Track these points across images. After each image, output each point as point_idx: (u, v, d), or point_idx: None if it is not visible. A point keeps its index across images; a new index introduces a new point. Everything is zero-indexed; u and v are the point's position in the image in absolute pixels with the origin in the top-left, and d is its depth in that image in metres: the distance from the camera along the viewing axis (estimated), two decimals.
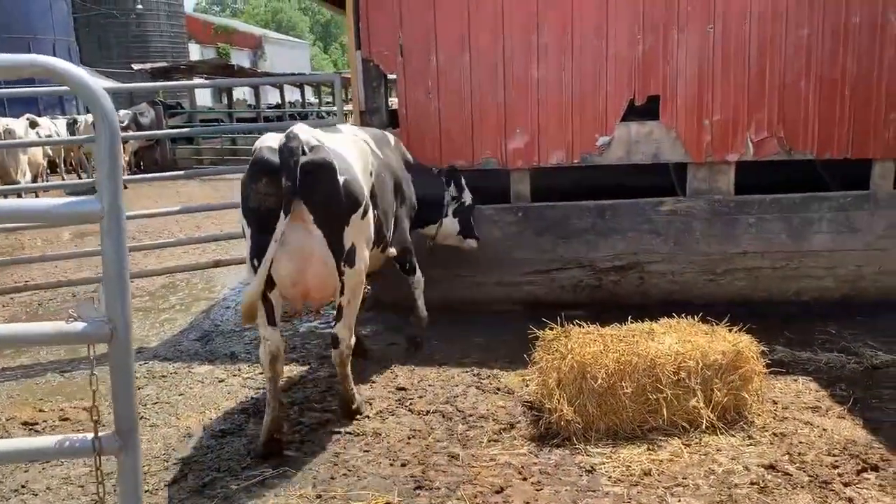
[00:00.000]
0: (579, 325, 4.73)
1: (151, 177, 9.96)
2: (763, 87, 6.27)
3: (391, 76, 6.71)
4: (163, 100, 22.71)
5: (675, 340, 4.47)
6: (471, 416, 4.65)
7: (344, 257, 4.24)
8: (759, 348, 4.51)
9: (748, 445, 4.13)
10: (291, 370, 5.58)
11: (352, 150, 4.52)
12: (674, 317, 4.86)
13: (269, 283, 4.18)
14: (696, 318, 4.79)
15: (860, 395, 4.73)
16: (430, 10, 6.37)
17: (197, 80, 23.86)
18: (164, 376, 5.62)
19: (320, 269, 4.23)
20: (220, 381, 5.47)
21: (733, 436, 4.22)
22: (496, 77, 6.45)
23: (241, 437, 4.52)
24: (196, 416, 4.88)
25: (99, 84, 1.86)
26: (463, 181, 6.15)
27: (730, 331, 4.64)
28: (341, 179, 4.14)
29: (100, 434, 1.95)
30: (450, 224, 6.12)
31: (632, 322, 4.82)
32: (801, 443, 4.14)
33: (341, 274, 4.27)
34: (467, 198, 6.19)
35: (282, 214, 3.94)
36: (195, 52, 44.03)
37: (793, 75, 6.24)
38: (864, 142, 6.28)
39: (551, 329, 4.77)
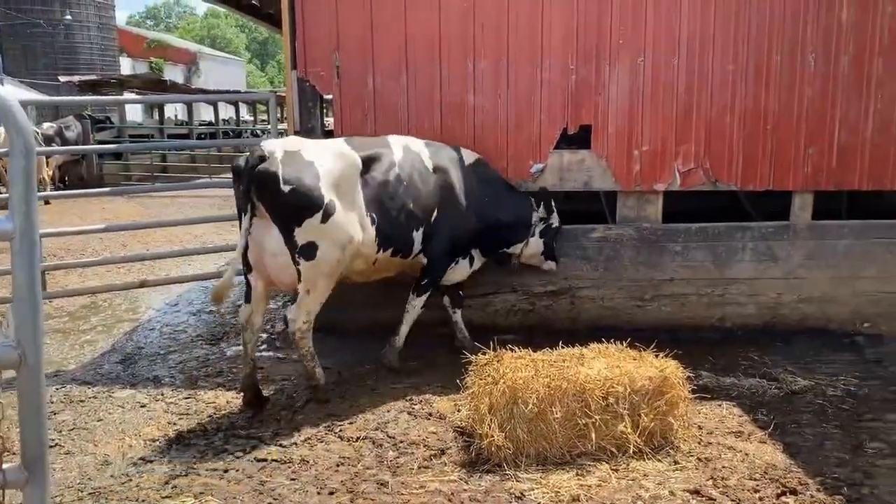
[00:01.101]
0: (512, 350, 4.75)
1: (76, 193, 9.61)
2: (690, 119, 6.48)
3: (327, 96, 6.66)
4: (91, 114, 22.03)
5: (604, 366, 4.53)
6: (402, 442, 4.59)
7: (298, 251, 4.87)
8: (684, 374, 4.61)
9: (674, 470, 4.19)
10: (217, 395, 5.43)
11: (327, 163, 4.95)
12: (603, 342, 4.93)
13: (247, 266, 5.10)
14: (624, 344, 4.87)
15: (780, 420, 4.88)
16: (367, 32, 6.37)
17: (128, 95, 23.31)
18: (81, 401, 5.38)
19: (274, 260, 4.97)
20: (141, 406, 5.27)
21: (660, 461, 4.29)
22: (433, 101, 6.48)
23: (162, 464, 4.35)
24: (115, 442, 4.68)
25: (15, 96, 1.77)
26: (553, 204, 6.22)
27: (657, 356, 4.73)
28: (286, 188, 4.74)
29: (4, 466, 1.83)
30: (535, 244, 6.20)
31: (563, 347, 4.87)
32: (724, 467, 4.23)
33: (297, 265, 4.90)
34: (555, 220, 6.26)
35: (242, 213, 4.88)
36: (127, 66, 42.95)
37: (718, 109, 6.47)
38: (785, 175, 6.54)
39: (484, 354, 4.77)
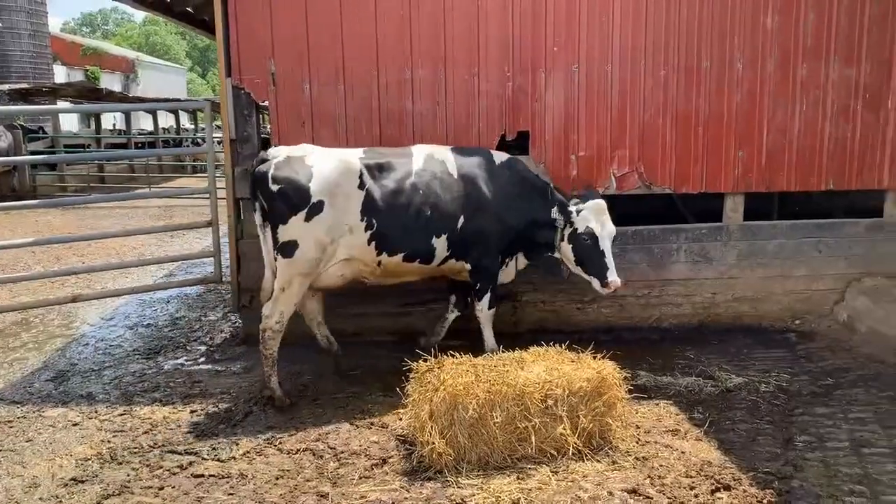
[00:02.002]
0: (453, 356, 4.76)
1: (7, 206, 9.27)
2: (624, 125, 6.61)
3: (264, 104, 6.58)
4: (23, 123, 21.32)
5: (543, 369, 4.57)
6: (342, 452, 4.56)
7: (279, 248, 5.24)
8: (621, 374, 4.68)
9: (613, 470, 4.25)
10: (153, 411, 5.30)
11: (323, 167, 5.26)
12: (544, 345, 4.98)
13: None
14: (564, 346, 4.92)
15: (715, 418, 5.00)
16: (303, 38, 6.32)
17: (60, 105, 22.65)
18: (9, 421, 5.19)
19: (268, 257, 5.45)
20: (73, 425, 5.10)
21: (599, 461, 4.34)
22: (371, 109, 6.46)
23: (94, 483, 4.23)
24: (44, 463, 4.52)
25: None
26: (571, 207, 5.65)
27: (595, 358, 4.79)
28: (275, 187, 5.16)
29: None
30: (565, 250, 5.78)
31: (504, 351, 4.91)
32: (661, 466, 4.31)
33: (276, 261, 5.28)
34: (580, 223, 5.59)
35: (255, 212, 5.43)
36: (61, 75, 41.66)
37: (651, 115, 6.62)
38: (717, 177, 6.73)
39: (425, 360, 4.77)
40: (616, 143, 6.64)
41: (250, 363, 6.25)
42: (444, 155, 5.76)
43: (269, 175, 5.18)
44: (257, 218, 5.39)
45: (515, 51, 6.46)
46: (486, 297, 5.90)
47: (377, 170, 5.46)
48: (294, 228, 5.17)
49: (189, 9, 8.85)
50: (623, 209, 6.49)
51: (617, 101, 6.58)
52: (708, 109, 6.63)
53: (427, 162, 5.63)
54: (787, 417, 4.99)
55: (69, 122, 33.60)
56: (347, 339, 6.41)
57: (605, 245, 5.56)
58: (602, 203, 5.63)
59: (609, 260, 5.54)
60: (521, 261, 6.16)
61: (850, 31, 6.62)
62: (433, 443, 4.23)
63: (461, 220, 5.64)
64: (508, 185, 5.80)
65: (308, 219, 5.17)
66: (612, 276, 5.51)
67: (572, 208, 5.63)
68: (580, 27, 6.46)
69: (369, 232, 5.38)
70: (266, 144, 6.57)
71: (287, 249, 5.20)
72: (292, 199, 5.16)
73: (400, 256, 5.56)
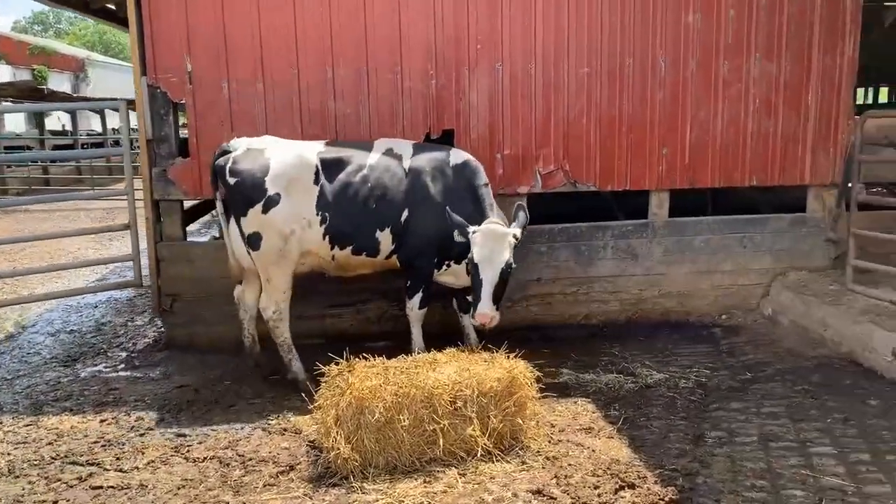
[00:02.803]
0: (366, 359, 4.68)
1: None
2: (549, 123, 6.61)
3: (182, 102, 6.42)
4: None
5: (455, 370, 4.53)
6: (251, 460, 4.46)
7: (247, 240, 5.38)
8: (533, 373, 4.65)
9: (521, 471, 4.23)
10: (62, 421, 5.13)
11: (281, 160, 5.34)
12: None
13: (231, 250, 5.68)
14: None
15: (631, 415, 5.00)
16: (219, 36, 6.18)
17: None
18: None
19: (238, 244, 5.51)
20: None
21: (508, 462, 4.31)
22: (292, 108, 6.36)
23: None
24: None
25: None
26: (455, 217, 5.22)
27: (508, 357, 4.76)
28: (232, 180, 5.30)
29: None
30: (459, 267, 5.63)
31: (434, 351, 4.84)
32: (570, 465, 4.29)
33: (250, 254, 5.42)
34: (472, 246, 5.12)
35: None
36: (6, 74, 40.57)
37: (576, 113, 6.62)
38: (641, 174, 6.76)
39: (337, 364, 4.69)
40: (541, 142, 6.63)
41: (170, 369, 6.12)
42: (403, 149, 5.74)
43: (227, 168, 5.31)
44: (218, 207, 5.53)
45: (439, 49, 6.41)
46: (418, 296, 5.81)
47: (334, 164, 5.49)
48: (254, 220, 5.29)
49: (110, 5, 8.62)
50: (565, 208, 6.52)
51: (541, 99, 6.58)
52: (631, 108, 6.66)
53: (383, 156, 5.63)
54: (702, 413, 5.02)
55: (14, 123, 32.69)
56: (270, 343, 6.32)
57: (486, 275, 5.05)
58: (494, 229, 5.12)
59: (485, 292, 5.04)
60: None
61: (770, 27, 6.70)
62: (338, 448, 4.16)
63: (405, 213, 5.58)
64: (455, 187, 5.66)
65: (265, 211, 5.27)
66: (480, 309, 5.02)
67: (470, 229, 5.19)
68: (503, 25, 6.43)
69: (324, 226, 5.43)
70: (184, 145, 6.43)
71: (253, 241, 5.33)
72: (249, 192, 5.27)
73: (349, 249, 5.57)
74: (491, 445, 4.34)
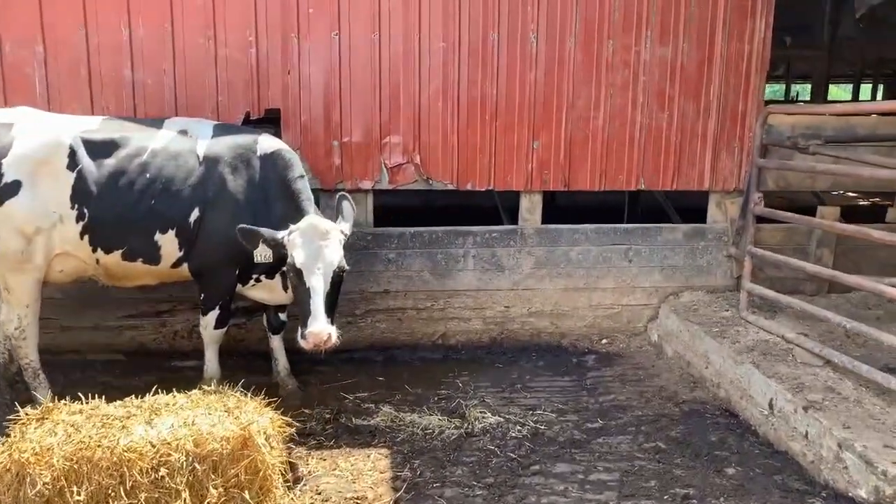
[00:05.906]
0: (78, 401, 3.64)
1: None
2: (398, 105, 5.55)
3: None
4: None
5: (177, 423, 3.49)
6: None
7: None
8: (283, 430, 3.63)
9: None
10: None
11: (26, 141, 4.29)
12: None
13: None
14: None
15: (427, 478, 3.99)
16: None
17: None
18: None
19: None
20: None
21: None
22: (79, 76, 5.26)
23: None
24: None
25: None
26: (257, 231, 4.19)
27: (269, 404, 3.75)
28: None
29: None
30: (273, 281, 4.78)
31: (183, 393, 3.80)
32: None
33: None
34: (290, 250, 4.14)
35: None
36: None
37: (430, 95, 5.55)
38: (508, 173, 5.72)
39: (35, 407, 3.64)
40: (387, 128, 5.57)
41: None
42: (199, 131, 4.67)
43: None
44: None
45: (260, 9, 5.31)
46: (213, 313, 4.74)
47: (102, 146, 4.40)
48: None
49: None
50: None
51: (387, 76, 5.50)
52: (495, 90, 5.58)
53: (174, 139, 4.55)
54: (515, 478, 3.99)
55: None
56: (63, 356, 5.30)
57: (315, 283, 4.04)
58: (316, 225, 4.15)
59: (315, 304, 4.01)
60: None
61: (667, 2, 5.63)
62: None
63: (195, 212, 4.50)
64: (263, 181, 4.58)
65: (0, 203, 4.23)
66: (312, 326, 3.98)
67: (285, 232, 4.17)
68: None
69: (81, 223, 4.39)
70: None
71: None
72: None
73: (117, 254, 4.50)
74: None
